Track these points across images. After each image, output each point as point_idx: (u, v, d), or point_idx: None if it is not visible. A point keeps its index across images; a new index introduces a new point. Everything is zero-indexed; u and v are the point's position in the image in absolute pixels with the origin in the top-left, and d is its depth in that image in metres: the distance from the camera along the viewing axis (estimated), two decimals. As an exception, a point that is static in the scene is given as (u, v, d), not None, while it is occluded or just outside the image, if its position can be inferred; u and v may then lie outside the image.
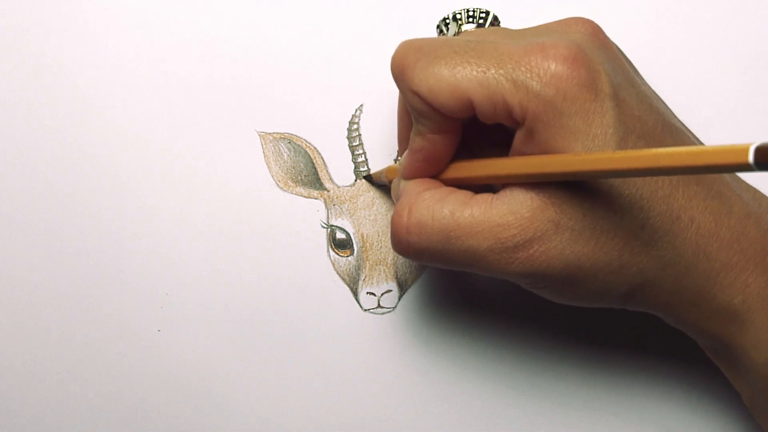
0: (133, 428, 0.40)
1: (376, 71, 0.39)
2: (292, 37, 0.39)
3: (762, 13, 0.39)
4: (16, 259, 0.39)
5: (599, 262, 0.30)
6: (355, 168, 0.39)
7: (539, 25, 0.32)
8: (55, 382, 0.40)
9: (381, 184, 0.39)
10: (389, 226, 0.39)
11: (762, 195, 0.33)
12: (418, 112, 0.30)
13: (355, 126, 0.39)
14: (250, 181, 0.39)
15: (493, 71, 0.29)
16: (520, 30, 0.32)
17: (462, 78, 0.29)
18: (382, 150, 0.39)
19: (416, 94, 0.30)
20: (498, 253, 0.29)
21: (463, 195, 0.31)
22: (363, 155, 0.39)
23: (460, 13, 0.35)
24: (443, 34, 0.35)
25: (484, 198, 0.30)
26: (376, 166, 0.39)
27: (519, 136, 0.30)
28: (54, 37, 0.39)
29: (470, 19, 0.35)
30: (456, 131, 0.31)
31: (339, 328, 0.40)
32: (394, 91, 0.39)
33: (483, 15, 0.35)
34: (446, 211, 0.30)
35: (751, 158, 0.22)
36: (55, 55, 0.39)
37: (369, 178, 0.39)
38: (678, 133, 0.31)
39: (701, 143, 0.34)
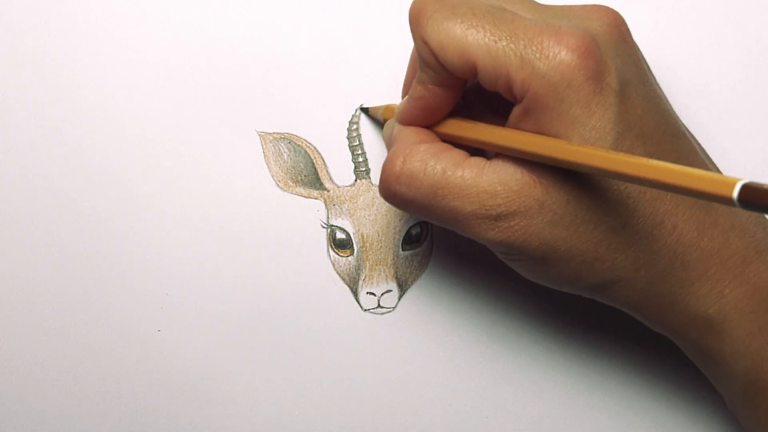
0: (133, 428, 0.40)
1: (376, 71, 0.39)
2: (293, 37, 0.39)
3: (764, 12, 0.39)
4: (16, 259, 0.39)
5: (574, 250, 0.30)
6: (355, 168, 0.39)
7: (563, 6, 0.32)
8: (55, 382, 0.40)
9: (374, 118, 0.39)
10: (389, 226, 0.39)
11: None
12: (424, 61, 0.31)
13: (355, 126, 0.39)
14: (250, 181, 0.39)
15: (504, 43, 0.29)
16: (543, 5, 0.32)
17: (473, 41, 0.29)
18: (382, 150, 0.39)
19: (426, 44, 0.30)
20: (480, 219, 0.30)
21: (458, 155, 0.31)
22: (363, 155, 0.39)
23: None
24: None
25: (477, 162, 0.30)
26: (376, 166, 0.39)
27: (516, 111, 0.30)
28: (54, 37, 0.39)
29: None
30: (457, 87, 0.31)
31: (339, 328, 0.40)
32: (394, 91, 0.39)
33: None
34: (439, 167, 0.31)
35: (735, 194, 0.22)
36: (55, 55, 0.39)
37: (365, 110, 0.39)
38: (680, 138, 0.31)
39: (703, 150, 0.34)
